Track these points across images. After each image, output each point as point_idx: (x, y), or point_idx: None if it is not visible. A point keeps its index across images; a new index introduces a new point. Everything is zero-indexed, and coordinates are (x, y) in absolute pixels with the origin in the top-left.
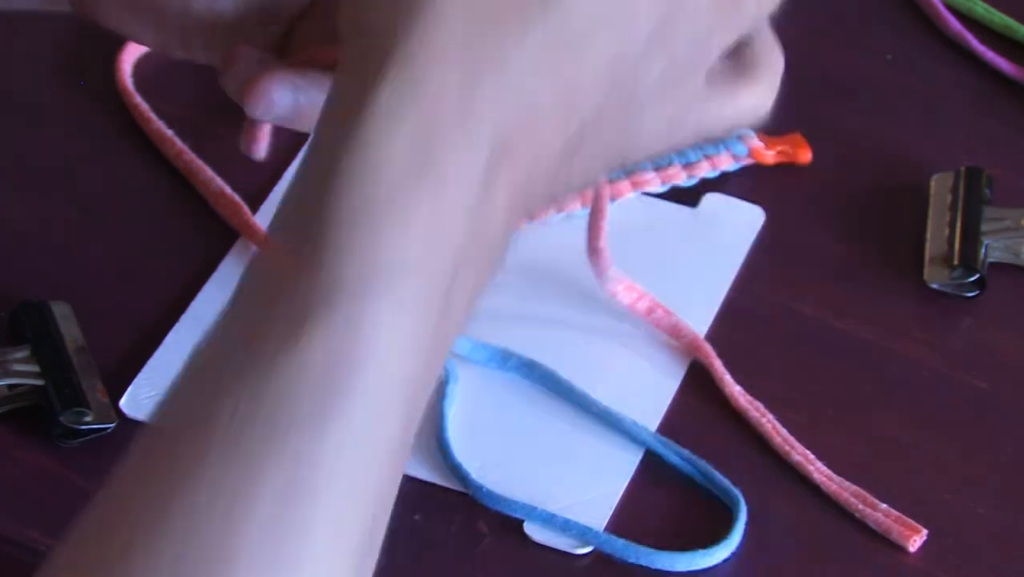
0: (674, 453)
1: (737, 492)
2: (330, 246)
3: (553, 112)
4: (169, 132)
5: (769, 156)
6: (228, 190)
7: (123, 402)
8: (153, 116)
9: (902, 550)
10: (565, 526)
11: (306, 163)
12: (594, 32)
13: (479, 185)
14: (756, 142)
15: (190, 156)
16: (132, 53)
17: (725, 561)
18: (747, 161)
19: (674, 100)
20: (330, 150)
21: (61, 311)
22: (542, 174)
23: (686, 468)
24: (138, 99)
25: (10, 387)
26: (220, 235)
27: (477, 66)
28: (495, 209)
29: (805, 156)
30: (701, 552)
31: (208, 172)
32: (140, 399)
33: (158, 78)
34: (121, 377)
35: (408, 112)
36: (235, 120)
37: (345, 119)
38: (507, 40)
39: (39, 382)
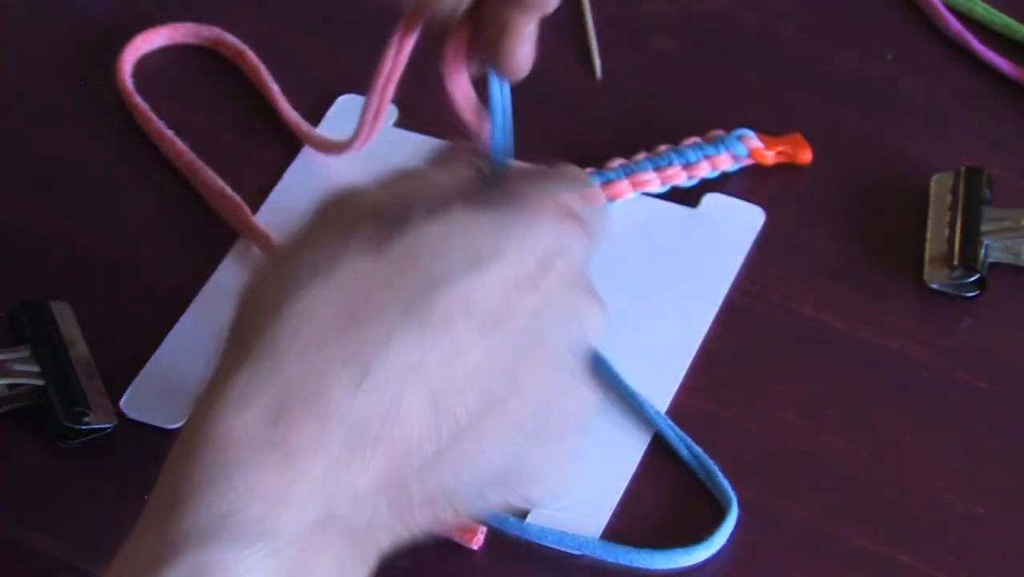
0: (679, 439)
1: (731, 492)
2: (182, 504)
3: (419, 411)
4: (169, 132)
5: (769, 156)
6: (228, 190)
7: (123, 402)
8: (153, 116)
9: (901, 549)
10: (562, 533)
11: (179, 437)
12: (469, 339)
13: (334, 463)
14: (756, 143)
15: (190, 156)
16: (132, 53)
17: (724, 561)
18: (747, 161)
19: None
20: (192, 425)
21: (61, 311)
22: (412, 470)
23: (688, 459)
24: (138, 99)
25: (10, 387)
26: (220, 235)
27: (328, 363)
28: (359, 492)
29: (805, 156)
30: (682, 550)
31: (208, 172)
32: (140, 399)
33: (158, 78)
34: (121, 377)
35: (261, 394)
36: (234, 121)
37: (209, 399)
38: (366, 340)
39: (39, 382)
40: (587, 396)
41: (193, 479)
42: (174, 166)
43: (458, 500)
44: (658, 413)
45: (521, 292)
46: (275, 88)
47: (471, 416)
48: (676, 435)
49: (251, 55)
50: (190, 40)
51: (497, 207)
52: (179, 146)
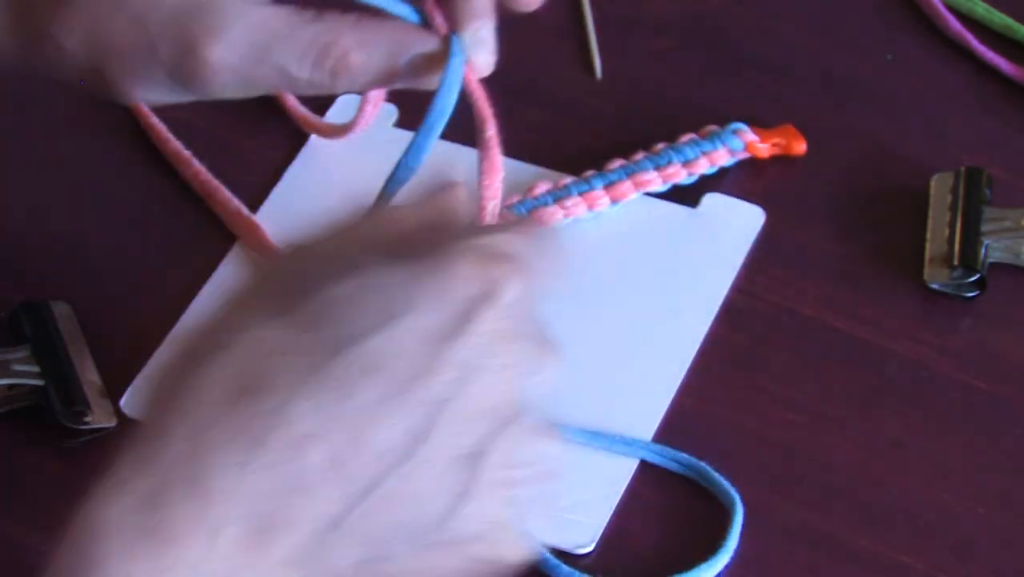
0: (672, 460)
1: (735, 494)
2: None
3: (321, 481)
4: (170, 134)
5: (764, 149)
6: (228, 191)
7: (123, 402)
8: (154, 118)
9: (901, 550)
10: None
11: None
12: (381, 400)
13: (225, 544)
14: (751, 136)
15: (190, 157)
16: None
17: (726, 566)
18: (743, 155)
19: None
20: (81, 513)
21: (61, 311)
22: (328, 540)
23: (685, 472)
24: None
25: (10, 387)
26: (220, 236)
27: (213, 442)
28: (261, 571)
29: (800, 147)
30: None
31: (207, 174)
32: (140, 399)
33: None
34: (121, 377)
35: (141, 480)
36: (235, 122)
37: (98, 487)
38: (256, 414)
39: (39, 382)
40: (540, 446)
41: (68, 570)
42: (174, 167)
43: (397, 565)
44: (642, 443)
45: (439, 346)
46: None
47: (386, 478)
48: (665, 457)
49: None
50: None
51: (416, 259)
52: (179, 147)
